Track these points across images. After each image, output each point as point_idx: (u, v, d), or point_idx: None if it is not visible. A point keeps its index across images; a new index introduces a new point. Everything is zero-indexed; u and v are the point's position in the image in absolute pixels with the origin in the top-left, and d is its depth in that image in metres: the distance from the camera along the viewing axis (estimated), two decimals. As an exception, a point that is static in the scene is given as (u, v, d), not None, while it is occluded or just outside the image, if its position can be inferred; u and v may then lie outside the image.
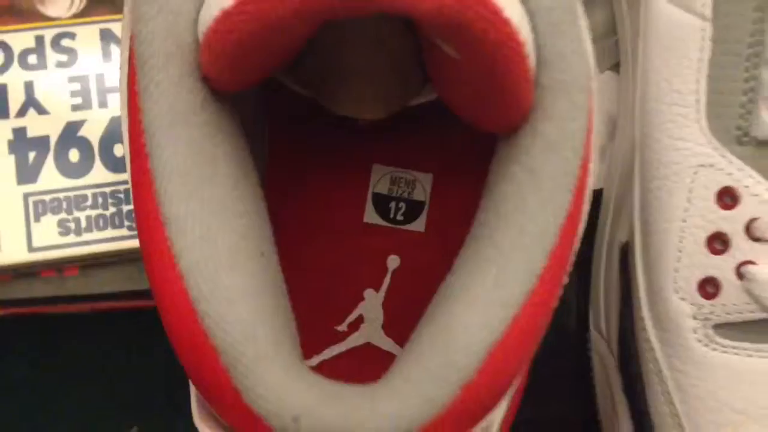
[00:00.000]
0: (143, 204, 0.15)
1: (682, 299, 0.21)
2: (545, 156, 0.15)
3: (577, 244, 0.17)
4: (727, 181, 0.20)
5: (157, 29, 0.14)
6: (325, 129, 0.23)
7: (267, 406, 0.14)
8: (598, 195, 0.28)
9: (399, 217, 0.23)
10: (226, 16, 0.13)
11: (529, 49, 0.14)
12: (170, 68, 0.14)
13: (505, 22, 0.13)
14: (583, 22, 0.15)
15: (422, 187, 0.24)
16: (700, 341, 0.21)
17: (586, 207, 0.17)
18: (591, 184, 0.17)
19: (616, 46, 0.28)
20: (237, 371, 0.14)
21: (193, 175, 0.15)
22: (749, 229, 0.20)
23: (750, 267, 0.20)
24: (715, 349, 0.21)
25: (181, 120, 0.14)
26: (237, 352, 0.14)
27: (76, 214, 0.27)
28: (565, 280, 0.17)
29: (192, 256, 0.15)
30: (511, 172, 0.16)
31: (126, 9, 0.15)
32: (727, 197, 0.20)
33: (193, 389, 0.16)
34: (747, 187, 0.20)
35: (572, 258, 0.17)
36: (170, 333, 0.15)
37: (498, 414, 0.16)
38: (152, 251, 0.15)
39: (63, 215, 0.27)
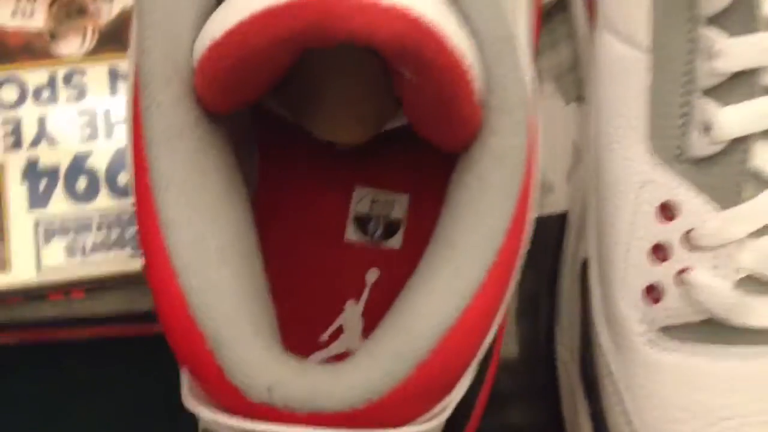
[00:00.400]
0: (144, 211, 0.17)
1: (630, 305, 0.24)
2: (493, 167, 0.18)
3: (523, 247, 0.19)
4: (667, 196, 0.23)
5: (158, 57, 0.16)
6: (311, 151, 0.25)
7: (245, 380, 0.16)
8: (565, 216, 0.30)
9: (378, 235, 0.26)
10: (217, 45, 0.16)
11: (474, 74, 0.17)
12: (169, 91, 0.16)
13: (451, 51, 0.16)
14: (521, 53, 0.18)
15: (400, 207, 0.26)
16: (647, 343, 0.23)
17: (530, 213, 0.19)
18: (536, 192, 0.20)
19: (579, 80, 0.31)
20: (220, 353, 0.16)
21: (188, 185, 0.17)
22: (687, 239, 0.23)
23: (688, 273, 0.23)
24: (660, 351, 0.23)
25: (178, 136, 0.17)
26: (221, 336, 0.16)
27: (83, 237, 0.29)
28: (515, 277, 0.19)
29: (185, 256, 0.17)
30: (465, 182, 0.18)
31: (132, 39, 0.18)
32: (668, 210, 0.23)
33: (183, 373, 0.18)
34: (685, 201, 0.22)
35: (520, 258, 0.19)
36: (164, 322, 0.17)
37: (453, 398, 0.18)
38: (151, 252, 0.17)
39: (70, 239, 0.29)
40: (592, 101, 0.26)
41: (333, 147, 0.25)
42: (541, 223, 0.31)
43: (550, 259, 0.30)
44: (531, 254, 0.31)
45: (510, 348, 0.30)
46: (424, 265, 0.18)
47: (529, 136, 0.18)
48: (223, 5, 0.16)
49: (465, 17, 0.17)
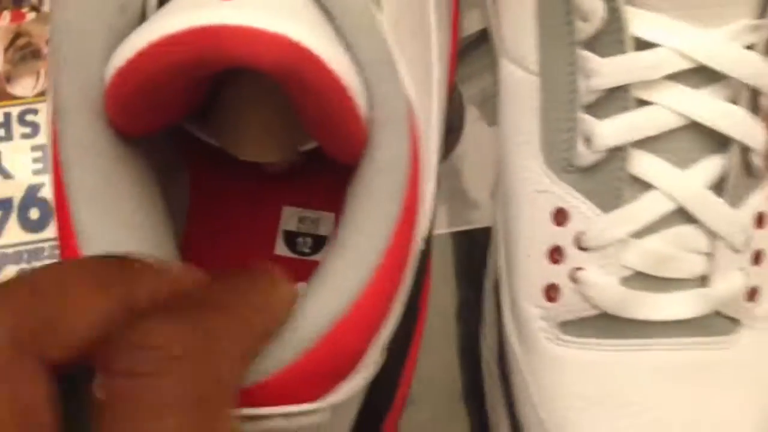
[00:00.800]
0: (62, 220, 0.19)
1: (532, 304, 0.25)
2: (378, 177, 0.20)
3: (411, 249, 0.21)
4: (559, 203, 0.25)
5: (70, 84, 0.18)
6: (241, 174, 0.27)
7: None
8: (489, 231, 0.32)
9: (306, 250, 0.27)
10: (120, 72, 0.18)
11: (355, 92, 0.19)
12: (80, 114, 0.18)
13: (330, 71, 0.18)
14: (402, 73, 0.20)
15: (326, 224, 0.28)
16: (548, 339, 0.25)
17: (417, 218, 0.21)
18: (426, 199, 0.22)
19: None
20: None
21: (101, 199, 0.19)
22: (578, 241, 0.25)
23: (580, 272, 0.25)
24: (560, 345, 0.25)
25: (90, 154, 0.19)
26: None
27: (35, 263, 0.31)
28: (405, 279, 0.21)
29: None
30: (355, 191, 0.20)
31: (49, 69, 0.20)
32: (561, 216, 0.25)
33: None
34: (575, 206, 0.25)
35: (408, 259, 0.21)
36: None
37: (352, 384, 0.20)
38: (67, 256, 0.19)
39: (23, 265, 0.31)
40: (499, 122, 0.28)
41: (261, 170, 0.27)
42: (470, 237, 0.33)
43: (478, 270, 0.32)
44: (462, 265, 0.33)
45: (445, 351, 0.32)
46: (321, 266, 0.20)
47: (411, 147, 0.20)
48: (128, 37, 0.18)
49: (347, 45, 0.19)
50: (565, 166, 0.25)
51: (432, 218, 0.27)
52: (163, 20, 0.17)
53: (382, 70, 0.19)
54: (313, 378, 0.18)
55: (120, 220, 0.19)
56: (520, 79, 0.26)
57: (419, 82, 0.26)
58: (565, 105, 0.24)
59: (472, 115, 0.34)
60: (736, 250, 0.24)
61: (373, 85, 0.19)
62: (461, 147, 0.34)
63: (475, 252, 0.33)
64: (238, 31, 0.17)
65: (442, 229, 0.34)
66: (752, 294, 0.25)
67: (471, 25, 0.35)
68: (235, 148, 0.25)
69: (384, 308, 0.20)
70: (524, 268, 0.26)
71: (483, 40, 0.34)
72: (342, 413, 0.22)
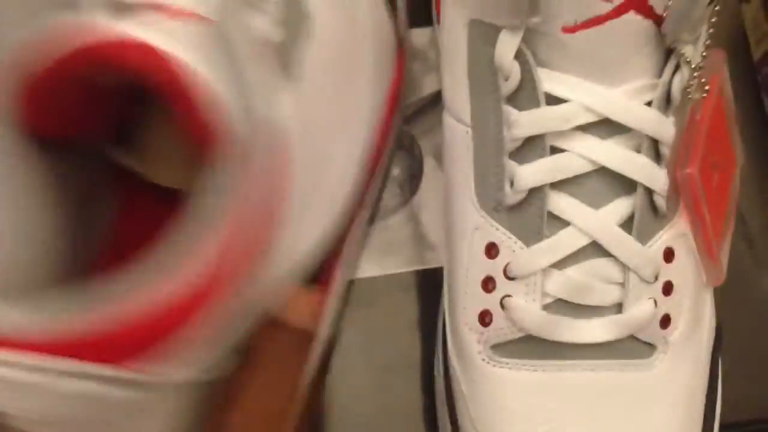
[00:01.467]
0: None
1: (470, 329, 0.29)
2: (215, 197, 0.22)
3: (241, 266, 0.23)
4: (491, 238, 0.28)
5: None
6: (164, 198, 0.30)
7: None
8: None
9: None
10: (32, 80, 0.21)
11: (224, 108, 0.21)
12: None
13: (191, 82, 0.21)
14: (285, 105, 0.24)
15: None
16: (483, 360, 0.28)
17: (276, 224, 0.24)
18: (294, 204, 0.24)
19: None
20: None
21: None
22: (506, 272, 0.28)
23: (508, 299, 0.28)
24: (494, 365, 0.28)
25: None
26: None
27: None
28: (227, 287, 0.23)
29: None
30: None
31: None
32: (492, 249, 0.28)
33: None
34: (503, 241, 0.28)
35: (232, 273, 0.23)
36: None
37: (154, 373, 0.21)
38: None
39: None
40: (444, 169, 0.31)
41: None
42: (428, 275, 0.37)
43: (435, 305, 0.35)
44: (421, 301, 0.36)
45: (409, 379, 0.35)
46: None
47: (280, 160, 0.23)
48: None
49: (238, 73, 0.22)
50: (495, 206, 0.28)
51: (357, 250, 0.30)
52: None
53: (264, 99, 0.22)
54: (126, 344, 0.20)
55: (15, 223, 0.22)
56: (457, 130, 0.29)
57: (336, 127, 0.29)
58: (493, 152, 0.28)
59: (428, 166, 0.38)
60: (647, 282, 0.27)
61: (255, 112, 0.22)
62: (418, 196, 0.38)
63: (428, 288, 0.36)
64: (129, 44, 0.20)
65: (404, 269, 0.37)
66: (665, 321, 0.28)
67: (429, 86, 0.38)
68: (152, 174, 0.28)
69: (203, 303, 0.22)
70: (463, 297, 0.29)
71: (439, 99, 0.38)
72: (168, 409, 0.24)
